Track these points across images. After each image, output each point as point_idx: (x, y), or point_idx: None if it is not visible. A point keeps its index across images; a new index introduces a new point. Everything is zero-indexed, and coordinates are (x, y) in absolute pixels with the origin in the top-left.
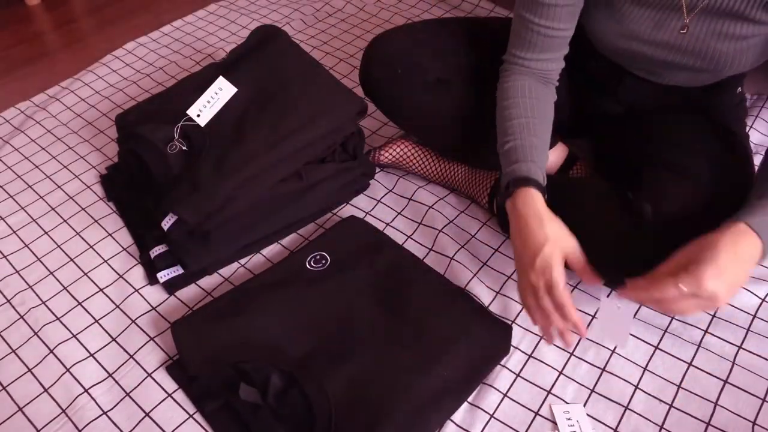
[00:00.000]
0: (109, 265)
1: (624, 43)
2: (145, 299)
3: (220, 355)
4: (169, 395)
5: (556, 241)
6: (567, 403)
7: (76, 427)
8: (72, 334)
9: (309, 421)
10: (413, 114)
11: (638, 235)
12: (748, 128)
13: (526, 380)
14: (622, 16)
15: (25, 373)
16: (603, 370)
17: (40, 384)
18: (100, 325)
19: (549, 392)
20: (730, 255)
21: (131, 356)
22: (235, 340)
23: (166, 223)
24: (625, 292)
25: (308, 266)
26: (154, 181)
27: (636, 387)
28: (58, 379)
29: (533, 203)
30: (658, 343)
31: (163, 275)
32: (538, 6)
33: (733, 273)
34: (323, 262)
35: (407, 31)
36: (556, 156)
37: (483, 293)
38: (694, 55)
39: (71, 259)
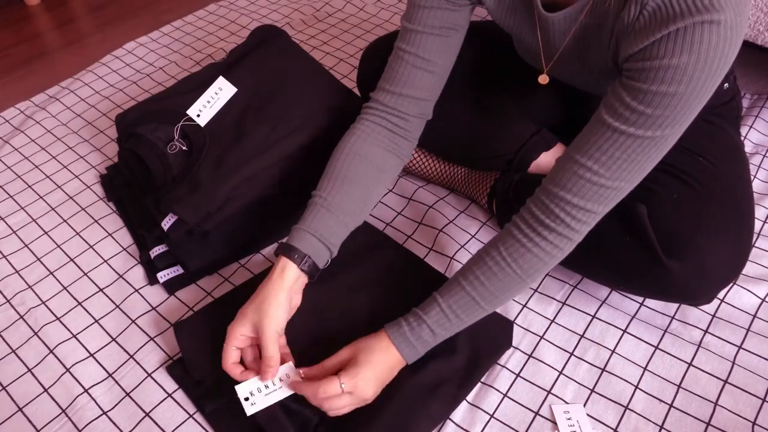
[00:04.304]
0: (109, 265)
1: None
2: (145, 299)
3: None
4: (169, 395)
5: (258, 313)
6: (567, 403)
7: (76, 427)
8: (72, 334)
9: None
10: None
11: (633, 236)
12: (748, 128)
13: (526, 380)
14: (518, 50)
15: (25, 373)
16: (603, 370)
17: (40, 384)
18: (100, 325)
19: (549, 392)
20: (379, 364)
21: (131, 356)
22: None
23: (166, 223)
24: (297, 384)
25: None
26: (154, 181)
27: (636, 387)
28: (58, 379)
29: (282, 276)
30: (658, 343)
31: (163, 275)
32: (406, 32)
33: (381, 376)
34: None
35: None
36: (555, 157)
37: None
38: (581, 83)
39: (71, 259)
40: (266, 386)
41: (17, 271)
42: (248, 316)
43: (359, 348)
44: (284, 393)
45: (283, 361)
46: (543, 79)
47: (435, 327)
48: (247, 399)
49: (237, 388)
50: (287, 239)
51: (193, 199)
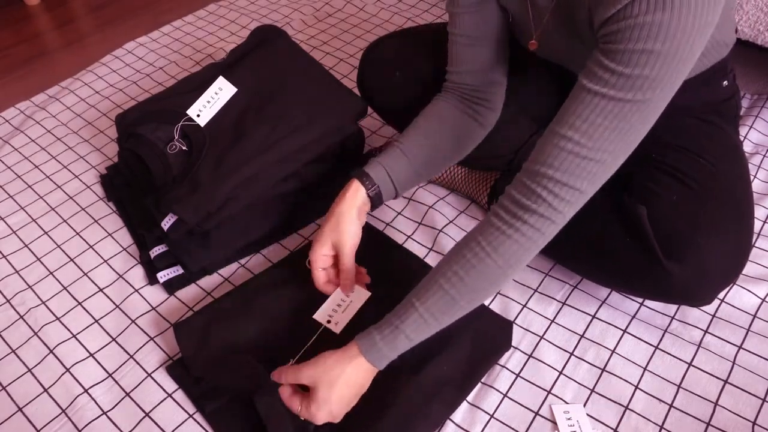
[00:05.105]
0: (109, 265)
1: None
2: (145, 299)
3: (224, 355)
4: (169, 395)
5: (335, 231)
6: (567, 403)
7: (76, 427)
8: (72, 334)
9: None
10: (411, 119)
11: (632, 238)
12: (748, 128)
13: (526, 380)
14: (511, 27)
15: (25, 373)
16: (603, 370)
17: (40, 384)
18: (100, 325)
19: (549, 392)
20: (341, 392)
21: (131, 356)
22: (237, 340)
23: (166, 223)
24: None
25: (308, 266)
26: (154, 181)
27: (636, 387)
28: (58, 379)
29: (354, 195)
30: (658, 343)
31: (163, 275)
32: (451, 17)
33: (343, 402)
34: None
35: (402, 36)
36: None
37: None
38: (575, 60)
39: (71, 259)
40: (338, 305)
41: (17, 271)
42: (326, 235)
43: (322, 370)
44: (356, 306)
45: (360, 277)
46: (532, 44)
47: (412, 334)
48: (329, 322)
49: (315, 317)
50: (363, 166)
51: (193, 199)
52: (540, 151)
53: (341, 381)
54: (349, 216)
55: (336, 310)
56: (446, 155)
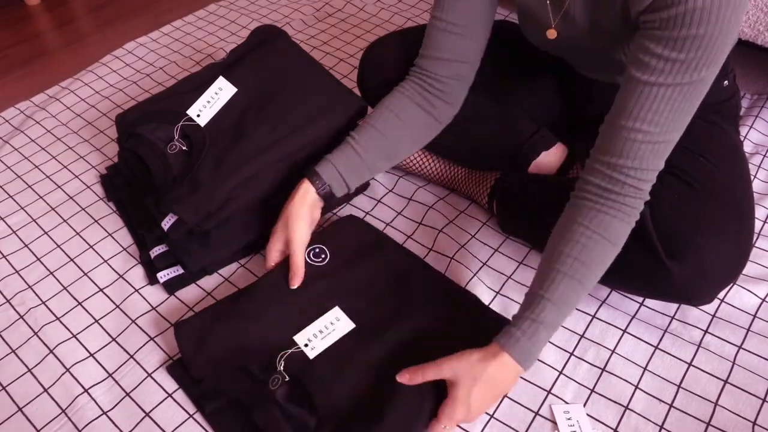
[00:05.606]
0: (109, 265)
1: (542, 45)
2: (145, 299)
3: (223, 356)
4: (169, 395)
5: (285, 230)
6: (567, 403)
7: (76, 427)
8: (72, 334)
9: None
10: None
11: (634, 237)
12: (748, 128)
13: (526, 380)
14: (522, 22)
15: (25, 373)
16: (603, 370)
17: (40, 384)
18: (100, 325)
19: (549, 392)
20: (482, 392)
21: (131, 356)
22: (237, 341)
23: (166, 223)
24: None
25: (308, 259)
26: (154, 181)
27: (636, 387)
28: (58, 379)
29: (304, 196)
30: (658, 343)
31: (163, 275)
32: (438, 1)
33: (482, 402)
34: (323, 256)
35: (402, 36)
36: (555, 156)
37: (483, 293)
38: (583, 55)
39: (71, 259)
40: (320, 331)
41: (17, 271)
42: (278, 233)
43: (466, 366)
44: (338, 335)
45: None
46: (551, 33)
47: (550, 324)
48: (306, 345)
49: (295, 338)
50: (315, 165)
51: (193, 199)
52: (613, 144)
53: (483, 379)
54: (300, 216)
55: (317, 335)
56: (399, 149)
